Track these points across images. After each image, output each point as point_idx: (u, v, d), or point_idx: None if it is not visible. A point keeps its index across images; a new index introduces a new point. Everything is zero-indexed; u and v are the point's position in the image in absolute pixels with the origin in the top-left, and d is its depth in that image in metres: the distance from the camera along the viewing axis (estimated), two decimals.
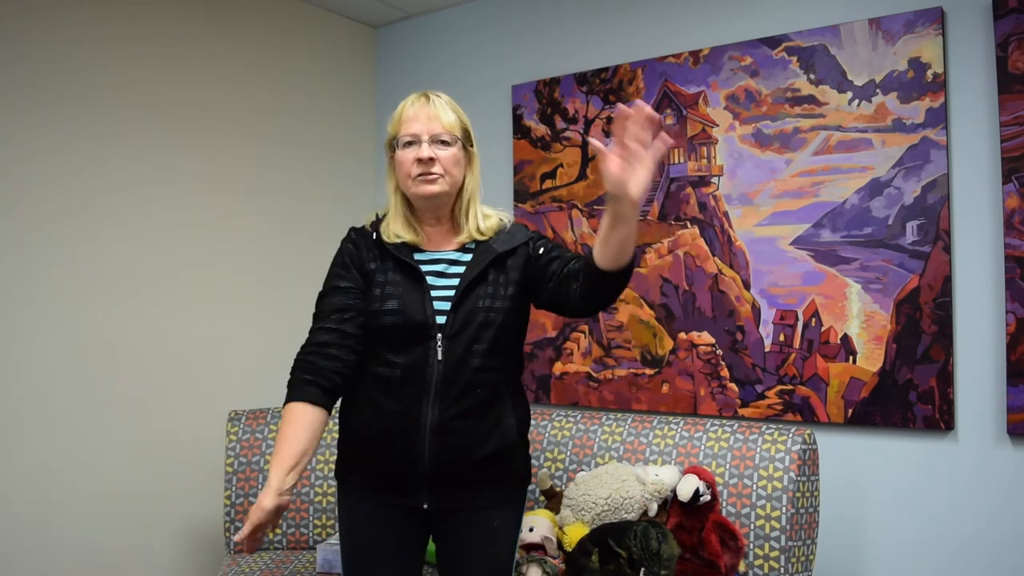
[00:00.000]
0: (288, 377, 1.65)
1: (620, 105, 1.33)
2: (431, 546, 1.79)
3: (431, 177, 1.62)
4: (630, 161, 1.35)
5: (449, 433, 1.60)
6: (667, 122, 2.77)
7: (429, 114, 1.63)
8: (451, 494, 1.64)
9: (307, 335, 1.68)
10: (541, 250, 1.68)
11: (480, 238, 1.69)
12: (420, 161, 1.61)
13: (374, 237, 1.70)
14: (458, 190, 1.70)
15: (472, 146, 1.71)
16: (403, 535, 1.68)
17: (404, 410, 1.61)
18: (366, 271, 1.67)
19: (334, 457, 2.62)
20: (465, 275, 1.64)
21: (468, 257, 1.68)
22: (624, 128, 1.33)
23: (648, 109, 1.32)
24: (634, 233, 1.43)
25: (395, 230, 1.68)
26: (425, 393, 1.60)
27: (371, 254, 1.68)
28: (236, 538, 1.52)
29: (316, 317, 1.69)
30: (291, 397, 1.62)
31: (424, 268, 1.65)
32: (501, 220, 1.73)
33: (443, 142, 1.63)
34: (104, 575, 2.59)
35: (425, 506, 1.64)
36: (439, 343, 1.60)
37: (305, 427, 1.58)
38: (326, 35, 3.36)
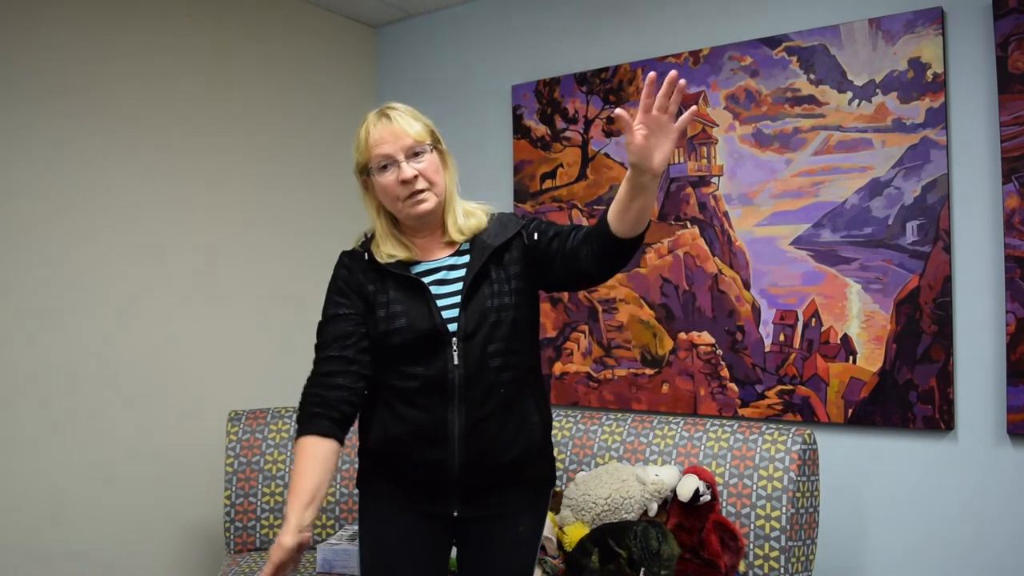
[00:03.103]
0: (298, 410, 1.62)
1: (651, 74, 1.31)
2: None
3: (419, 197, 1.59)
4: (655, 131, 1.34)
5: (477, 437, 1.58)
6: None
7: (395, 131, 1.59)
8: (481, 500, 1.62)
9: (312, 366, 1.65)
10: (536, 235, 1.65)
11: (460, 238, 1.66)
12: (405, 182, 1.58)
13: (366, 258, 1.67)
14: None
15: (442, 144, 1.66)
16: (431, 544, 1.66)
17: (430, 419, 1.58)
18: (366, 294, 1.64)
19: None
20: (467, 275, 1.62)
21: (465, 259, 1.65)
22: (650, 96, 1.32)
23: (675, 75, 1.30)
24: (653, 202, 1.43)
25: (387, 251, 1.64)
26: (449, 400, 1.58)
27: (368, 276, 1.65)
28: None
29: (319, 347, 1.65)
30: (302, 431, 1.58)
31: (425, 279, 1.63)
32: (487, 215, 1.69)
33: (417, 154, 1.60)
34: (104, 575, 2.59)
35: (455, 513, 1.62)
36: (455, 348, 1.58)
37: (319, 461, 1.54)
38: (326, 35, 3.36)
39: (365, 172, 1.63)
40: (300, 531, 1.48)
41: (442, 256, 1.67)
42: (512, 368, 1.62)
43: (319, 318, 1.67)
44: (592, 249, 1.53)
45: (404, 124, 1.59)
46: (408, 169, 1.58)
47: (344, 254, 1.72)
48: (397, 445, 1.62)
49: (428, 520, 1.64)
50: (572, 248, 1.58)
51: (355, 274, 1.66)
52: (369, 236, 1.71)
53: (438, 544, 1.68)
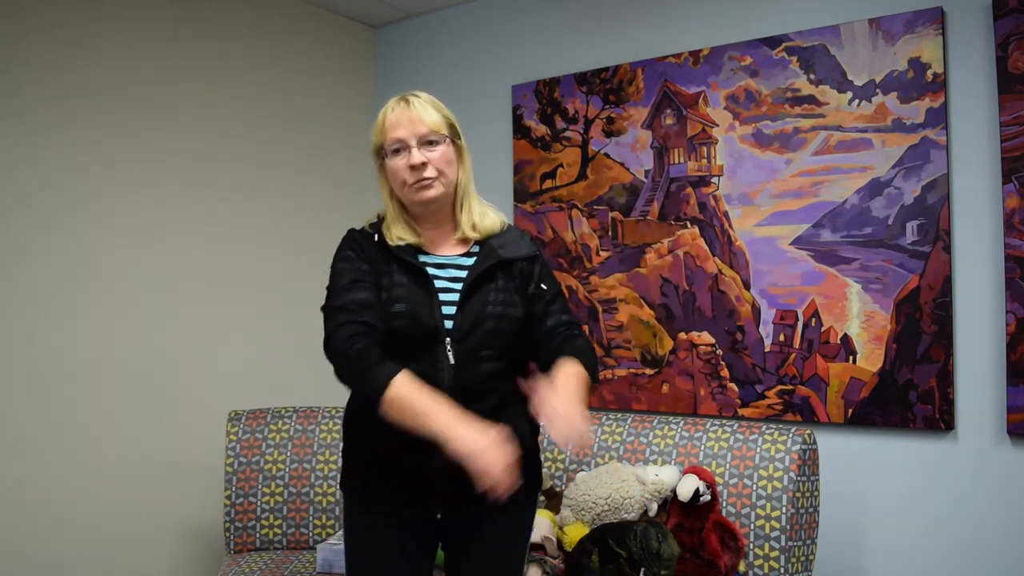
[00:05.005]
0: (353, 363, 1.53)
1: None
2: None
3: (426, 183, 1.59)
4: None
5: None
6: (667, 122, 2.77)
7: (412, 117, 1.60)
8: (465, 504, 1.60)
9: (331, 331, 1.56)
10: (545, 286, 1.67)
11: (474, 235, 1.66)
12: (413, 168, 1.59)
13: (376, 239, 1.66)
14: (454, 187, 1.67)
15: (460, 139, 1.67)
16: (416, 544, 1.66)
17: None
18: (374, 264, 1.63)
19: (334, 458, 2.62)
20: (469, 275, 1.61)
21: (471, 261, 1.65)
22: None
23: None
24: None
25: (397, 233, 1.64)
26: None
27: (375, 255, 1.64)
28: (497, 490, 1.41)
29: (343, 310, 1.57)
30: (388, 373, 1.50)
31: (430, 271, 1.62)
32: (502, 223, 1.70)
33: (431, 142, 1.60)
34: (104, 575, 2.59)
35: (439, 516, 1.63)
36: (448, 347, 1.57)
37: (424, 387, 1.49)
38: (326, 35, 3.36)
39: (380, 154, 1.64)
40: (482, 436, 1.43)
41: (452, 253, 1.67)
42: (504, 374, 1.61)
43: (321, 304, 1.63)
44: (546, 359, 1.66)
45: (422, 111, 1.60)
46: (418, 155, 1.58)
47: (352, 231, 1.70)
48: (382, 447, 1.60)
49: (412, 521, 1.63)
50: (546, 337, 1.66)
51: (366, 250, 1.64)
52: (379, 218, 1.70)
53: (423, 544, 1.67)
